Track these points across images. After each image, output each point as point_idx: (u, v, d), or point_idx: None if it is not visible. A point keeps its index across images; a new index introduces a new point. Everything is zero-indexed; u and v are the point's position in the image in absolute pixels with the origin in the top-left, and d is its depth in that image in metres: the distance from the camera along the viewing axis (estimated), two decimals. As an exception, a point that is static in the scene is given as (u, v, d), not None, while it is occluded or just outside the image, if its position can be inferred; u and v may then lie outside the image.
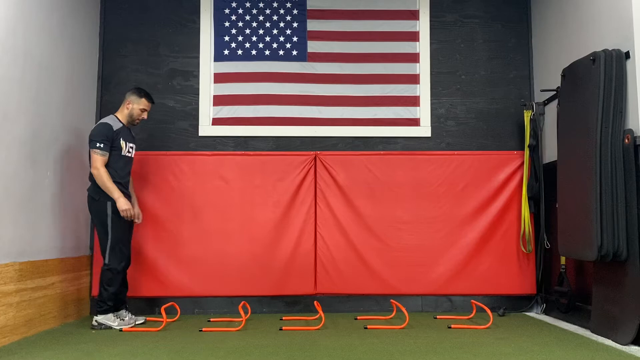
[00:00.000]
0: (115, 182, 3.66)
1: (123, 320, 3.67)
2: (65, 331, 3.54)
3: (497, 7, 4.64)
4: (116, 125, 3.76)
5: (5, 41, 3.17)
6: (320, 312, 3.72)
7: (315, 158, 4.36)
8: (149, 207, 4.24)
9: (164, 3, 4.57)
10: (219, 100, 4.49)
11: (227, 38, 4.55)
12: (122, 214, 3.63)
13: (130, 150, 3.86)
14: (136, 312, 4.13)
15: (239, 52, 4.54)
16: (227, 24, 4.56)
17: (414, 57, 4.57)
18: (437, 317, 4.03)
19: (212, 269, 4.22)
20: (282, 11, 4.58)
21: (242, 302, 3.97)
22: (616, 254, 3.14)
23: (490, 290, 4.27)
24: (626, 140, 3.15)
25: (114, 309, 3.68)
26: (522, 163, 4.32)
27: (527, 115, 4.30)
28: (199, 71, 4.51)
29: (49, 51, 3.69)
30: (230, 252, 4.23)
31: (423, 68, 4.55)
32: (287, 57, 4.54)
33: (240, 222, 4.27)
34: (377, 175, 4.35)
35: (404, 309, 3.77)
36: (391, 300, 4.06)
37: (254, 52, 4.55)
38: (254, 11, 4.58)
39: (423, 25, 4.59)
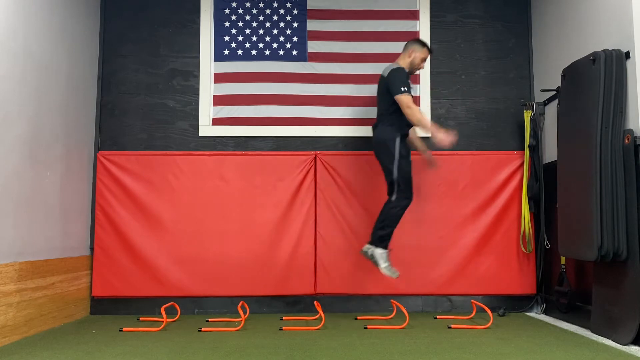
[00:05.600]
0: (404, 126, 3.86)
1: (388, 267, 3.74)
2: (65, 331, 3.54)
3: (497, 7, 4.64)
4: (407, 70, 3.93)
5: (5, 41, 3.17)
6: (320, 312, 3.72)
7: (315, 158, 4.37)
8: (149, 207, 4.24)
9: (164, 3, 4.57)
10: (219, 100, 4.49)
11: (227, 38, 4.55)
12: (439, 142, 3.70)
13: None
14: (136, 312, 4.14)
15: (239, 52, 4.54)
16: (227, 24, 4.56)
17: (414, 57, 4.56)
18: (437, 317, 4.03)
19: (211, 268, 4.22)
20: (282, 11, 4.58)
21: (241, 302, 3.97)
22: (616, 254, 3.14)
23: (490, 290, 4.27)
24: (626, 140, 3.16)
25: (387, 246, 3.80)
26: (522, 163, 4.32)
27: (527, 115, 4.30)
28: (199, 71, 4.51)
29: (49, 51, 3.69)
30: (230, 252, 4.23)
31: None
32: (287, 57, 4.54)
33: (240, 222, 4.27)
34: (377, 175, 4.35)
35: (404, 309, 3.78)
36: (391, 300, 4.06)
37: (254, 52, 4.55)
38: (254, 11, 4.59)
39: (423, 25, 4.59)
